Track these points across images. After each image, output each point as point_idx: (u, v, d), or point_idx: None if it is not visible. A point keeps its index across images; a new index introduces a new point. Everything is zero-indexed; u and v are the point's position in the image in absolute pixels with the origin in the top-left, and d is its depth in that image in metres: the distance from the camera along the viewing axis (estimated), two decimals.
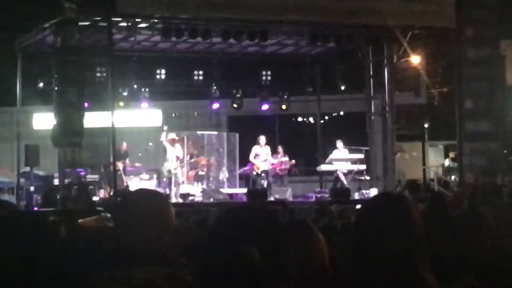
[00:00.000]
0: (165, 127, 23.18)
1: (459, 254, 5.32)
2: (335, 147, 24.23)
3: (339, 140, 24.28)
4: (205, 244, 2.78)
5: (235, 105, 27.07)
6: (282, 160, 24.34)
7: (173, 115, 29.48)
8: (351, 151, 24.24)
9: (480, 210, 7.67)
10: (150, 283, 3.02)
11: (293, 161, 24.87)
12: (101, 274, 3.19)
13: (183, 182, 23.11)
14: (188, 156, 24.20)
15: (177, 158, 22.49)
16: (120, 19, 20.40)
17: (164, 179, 23.04)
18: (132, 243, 3.17)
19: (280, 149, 24.74)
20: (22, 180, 23.23)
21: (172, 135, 22.77)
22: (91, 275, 3.29)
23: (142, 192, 3.63)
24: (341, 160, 23.89)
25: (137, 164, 24.35)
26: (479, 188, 18.71)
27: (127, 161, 23.94)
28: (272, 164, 24.09)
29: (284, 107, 27.36)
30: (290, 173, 25.15)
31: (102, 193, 21.86)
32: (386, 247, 2.91)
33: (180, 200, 21.74)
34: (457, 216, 7.81)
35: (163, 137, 22.70)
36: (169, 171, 22.26)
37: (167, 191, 21.77)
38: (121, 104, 24.48)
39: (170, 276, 3.03)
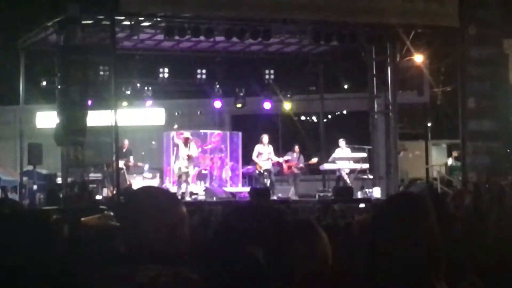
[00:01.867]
0: (175, 125, 23.19)
1: (462, 254, 5.31)
2: (338, 146, 24.23)
3: (342, 139, 24.27)
4: (210, 242, 2.77)
5: (239, 105, 27.04)
6: (285, 159, 24.29)
7: (176, 114, 29.47)
8: (354, 150, 24.24)
9: (484, 210, 7.66)
10: (154, 281, 3.01)
11: (315, 159, 24.82)
12: (104, 272, 3.18)
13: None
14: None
15: (189, 157, 22.47)
16: (123, 17, 20.40)
17: (168, 178, 23.04)
18: (137, 241, 3.16)
19: (296, 148, 24.65)
20: (25, 178, 23.27)
21: (187, 134, 22.80)
22: (94, 273, 3.29)
23: (149, 189, 3.61)
24: (344, 159, 23.89)
25: (139, 164, 24.25)
26: (489, 187, 18.70)
27: (131, 159, 23.81)
28: (286, 161, 24.14)
29: (287, 107, 27.33)
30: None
31: (105, 192, 21.89)
32: (401, 249, 2.88)
33: (189, 199, 21.76)
34: (460, 216, 7.80)
35: (174, 134, 22.76)
36: (180, 169, 22.27)
37: (175, 189, 21.83)
38: (125, 103, 24.50)
39: (174, 275, 3.03)
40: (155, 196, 3.28)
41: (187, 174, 22.36)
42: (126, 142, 23.89)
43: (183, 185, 22.21)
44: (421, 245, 2.89)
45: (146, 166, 24.61)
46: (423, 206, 2.98)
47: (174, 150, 23.37)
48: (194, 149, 22.79)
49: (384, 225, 2.97)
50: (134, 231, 3.17)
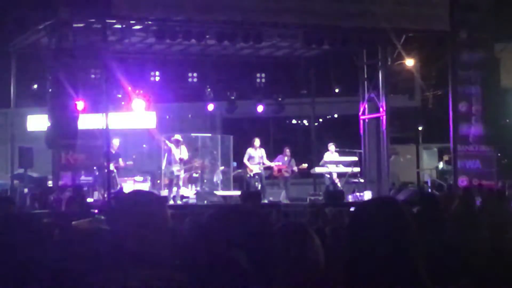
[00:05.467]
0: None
1: (453, 258, 5.32)
2: (328, 150, 24.24)
3: (332, 143, 24.28)
4: (194, 244, 2.76)
5: (229, 108, 27.02)
6: (277, 164, 24.27)
7: (167, 117, 29.43)
8: (345, 153, 24.25)
9: (475, 213, 7.67)
10: (146, 285, 3.01)
11: (305, 165, 24.81)
12: (96, 276, 3.17)
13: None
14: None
15: (181, 160, 22.40)
16: (114, 21, 20.37)
17: (159, 181, 22.97)
18: (128, 245, 3.15)
19: (287, 151, 24.60)
20: (15, 182, 23.17)
21: (178, 137, 22.73)
22: (86, 277, 3.27)
23: (138, 193, 3.60)
24: (335, 162, 23.89)
25: (128, 163, 23.95)
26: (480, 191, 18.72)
27: (120, 161, 23.40)
28: (277, 166, 24.13)
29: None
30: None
31: (96, 195, 21.79)
32: (380, 252, 2.90)
33: (180, 202, 21.71)
34: (451, 219, 7.80)
35: (164, 139, 22.72)
36: (172, 173, 22.20)
37: (166, 192, 21.80)
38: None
39: (166, 278, 3.02)
40: (143, 199, 3.27)
41: (178, 177, 22.32)
42: (116, 142, 23.30)
43: (174, 189, 22.16)
44: (398, 245, 2.91)
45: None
46: (395, 207, 3.01)
47: (165, 154, 23.20)
48: (185, 152, 22.75)
49: (359, 229, 3.00)
50: (123, 234, 3.16)
